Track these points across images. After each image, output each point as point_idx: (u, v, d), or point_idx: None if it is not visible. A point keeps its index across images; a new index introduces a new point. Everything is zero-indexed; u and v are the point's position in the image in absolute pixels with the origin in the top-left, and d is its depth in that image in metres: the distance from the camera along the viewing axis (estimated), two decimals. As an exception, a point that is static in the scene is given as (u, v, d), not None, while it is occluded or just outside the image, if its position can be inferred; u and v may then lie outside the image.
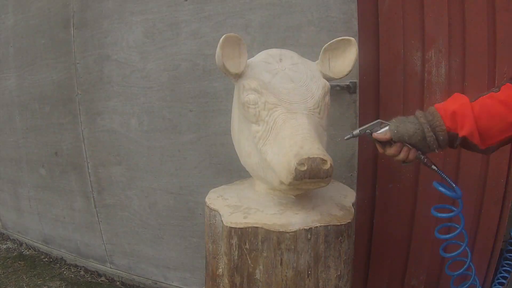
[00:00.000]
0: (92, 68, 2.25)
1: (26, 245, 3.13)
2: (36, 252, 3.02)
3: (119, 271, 2.53)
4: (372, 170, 1.79)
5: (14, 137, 2.86)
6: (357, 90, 1.64)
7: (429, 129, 0.95)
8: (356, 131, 1.06)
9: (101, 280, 2.57)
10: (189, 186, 2.07)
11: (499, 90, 0.93)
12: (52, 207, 2.78)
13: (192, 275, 2.22)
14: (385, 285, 1.87)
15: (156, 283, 2.38)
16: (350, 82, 1.61)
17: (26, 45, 2.59)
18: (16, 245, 3.17)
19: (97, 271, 2.65)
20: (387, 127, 1.00)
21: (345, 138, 1.08)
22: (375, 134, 1.01)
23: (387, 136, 0.99)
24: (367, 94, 1.71)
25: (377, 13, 1.65)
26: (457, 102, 0.95)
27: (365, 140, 1.73)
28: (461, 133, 0.93)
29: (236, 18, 1.76)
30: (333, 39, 1.12)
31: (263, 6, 1.70)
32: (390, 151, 1.00)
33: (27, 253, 3.03)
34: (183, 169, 2.06)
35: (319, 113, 1.05)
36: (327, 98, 1.08)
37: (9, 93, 2.80)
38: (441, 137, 0.95)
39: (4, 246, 3.16)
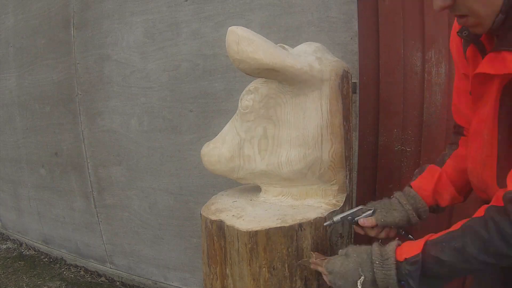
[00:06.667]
0: (92, 68, 2.25)
1: (26, 245, 3.13)
2: (36, 252, 3.02)
3: (119, 271, 2.53)
4: (372, 170, 1.79)
5: (14, 137, 2.86)
6: (357, 90, 1.64)
7: (414, 213, 0.97)
8: (337, 218, 1.00)
9: (101, 280, 2.57)
10: (189, 186, 2.07)
11: (457, 146, 1.00)
12: (52, 207, 2.78)
13: (192, 275, 2.22)
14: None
15: (156, 283, 2.37)
16: (351, 82, 1.61)
17: (26, 45, 2.59)
18: (16, 245, 3.17)
19: (97, 271, 2.65)
20: (370, 213, 0.98)
21: (325, 224, 1.02)
22: (362, 222, 0.97)
23: (373, 223, 0.97)
24: (367, 94, 1.71)
25: (377, 13, 1.65)
26: (433, 179, 0.98)
27: (365, 140, 1.73)
28: (443, 204, 0.98)
29: (236, 18, 1.76)
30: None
31: (263, 6, 1.70)
32: (372, 233, 0.98)
33: (27, 253, 3.03)
34: (183, 170, 2.06)
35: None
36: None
37: (9, 93, 2.80)
38: (424, 216, 0.98)
39: (4, 246, 3.16)
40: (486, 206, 0.72)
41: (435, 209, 1.00)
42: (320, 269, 0.91)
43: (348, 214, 1.00)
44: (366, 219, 0.96)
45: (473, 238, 0.69)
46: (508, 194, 0.67)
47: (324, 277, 0.89)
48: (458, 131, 1.02)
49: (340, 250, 0.91)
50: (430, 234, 0.79)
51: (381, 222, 0.95)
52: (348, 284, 0.82)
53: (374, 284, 0.80)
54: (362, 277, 0.81)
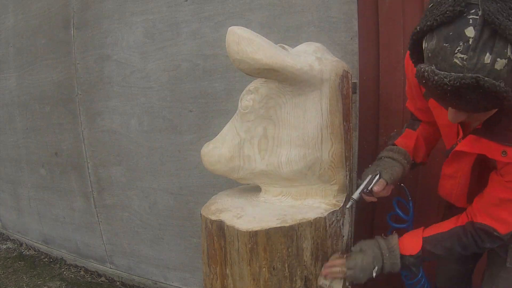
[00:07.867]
0: (92, 68, 2.25)
1: (26, 245, 3.13)
2: (36, 252, 3.02)
3: (119, 271, 2.53)
4: (372, 170, 1.79)
5: (14, 137, 2.86)
6: (357, 90, 1.64)
7: (408, 165, 1.13)
8: (356, 195, 1.04)
9: (101, 280, 2.57)
10: (189, 186, 2.07)
11: (420, 122, 1.22)
12: (52, 207, 2.78)
13: (192, 275, 2.22)
14: (384, 285, 1.87)
15: (156, 283, 2.38)
16: (351, 82, 1.61)
17: (26, 45, 2.59)
18: (16, 245, 3.17)
19: (97, 271, 2.65)
20: (378, 177, 1.05)
21: (347, 206, 1.06)
22: (377, 189, 1.03)
23: (384, 184, 1.04)
24: (367, 94, 1.71)
25: (377, 13, 1.65)
26: (413, 138, 1.18)
27: (365, 140, 1.73)
28: (418, 160, 1.21)
29: (236, 18, 1.76)
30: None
31: (263, 6, 1.70)
32: (383, 193, 1.06)
33: (27, 253, 3.03)
34: (183, 170, 2.06)
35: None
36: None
37: (9, 93, 2.81)
38: (410, 166, 1.15)
39: (4, 246, 3.16)
40: (464, 218, 1.03)
41: (412, 164, 1.18)
42: (336, 269, 1.03)
43: (364, 187, 1.04)
44: (378, 185, 1.04)
45: (458, 242, 1.02)
46: (476, 224, 1.00)
47: (339, 275, 1.02)
48: (416, 118, 1.24)
49: (353, 247, 1.08)
50: (422, 228, 1.08)
51: (390, 180, 1.06)
52: (366, 275, 1.02)
53: (382, 271, 1.03)
54: (376, 268, 1.02)
